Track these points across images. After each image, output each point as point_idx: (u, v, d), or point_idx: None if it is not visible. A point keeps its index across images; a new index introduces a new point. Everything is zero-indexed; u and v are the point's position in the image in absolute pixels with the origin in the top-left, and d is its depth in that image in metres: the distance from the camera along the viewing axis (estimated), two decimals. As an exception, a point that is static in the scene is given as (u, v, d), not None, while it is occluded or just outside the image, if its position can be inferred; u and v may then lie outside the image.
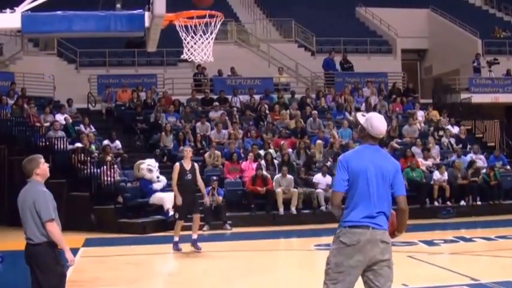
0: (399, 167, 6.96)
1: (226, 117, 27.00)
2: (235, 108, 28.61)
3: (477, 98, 32.05)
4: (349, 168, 6.68)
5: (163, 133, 25.16)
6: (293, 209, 22.19)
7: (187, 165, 16.02)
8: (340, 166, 6.74)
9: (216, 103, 28.50)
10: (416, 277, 12.37)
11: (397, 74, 34.71)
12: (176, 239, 16.07)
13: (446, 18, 38.74)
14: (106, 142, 23.87)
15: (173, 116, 27.15)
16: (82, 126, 25.18)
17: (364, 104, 29.96)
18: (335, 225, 17.89)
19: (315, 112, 27.80)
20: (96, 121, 26.86)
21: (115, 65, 32.33)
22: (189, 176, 15.90)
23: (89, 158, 22.22)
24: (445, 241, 17.37)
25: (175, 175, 15.93)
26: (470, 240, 17.66)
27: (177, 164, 16.23)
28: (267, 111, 28.18)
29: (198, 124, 26.34)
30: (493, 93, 33.23)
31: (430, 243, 17.00)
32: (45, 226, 7.47)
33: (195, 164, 16.42)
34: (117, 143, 24.40)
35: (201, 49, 11.09)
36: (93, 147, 23.50)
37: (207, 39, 11.06)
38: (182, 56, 11.66)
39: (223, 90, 29.93)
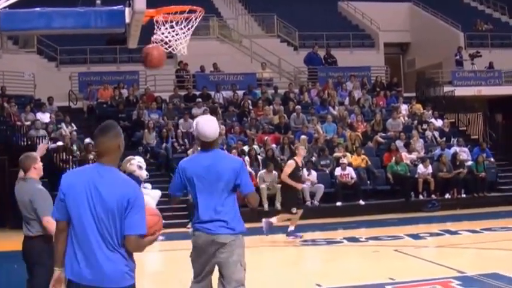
0: (241, 166, 7.04)
1: (209, 114, 26.85)
2: (218, 104, 28.44)
3: (460, 91, 32.06)
4: (183, 175, 6.95)
5: (146, 130, 25.02)
6: (278, 205, 22.07)
7: (300, 162, 16.45)
8: (176, 172, 7.05)
9: (199, 99, 28.34)
10: (403, 271, 12.35)
11: (380, 68, 34.74)
12: (291, 228, 16.51)
13: (428, 12, 38.75)
14: (88, 140, 23.66)
15: (156, 113, 26.99)
16: (63, 125, 24.97)
17: (347, 98, 29.94)
18: (320, 220, 17.83)
19: (298, 107, 27.72)
20: (78, 119, 26.67)
21: (96, 62, 32.10)
22: (301, 173, 16.62)
23: (70, 157, 22.03)
24: (431, 234, 17.33)
25: (288, 170, 16.13)
26: (455, 233, 17.63)
27: (292, 161, 16.49)
28: (250, 107, 28.07)
29: (181, 121, 26.18)
30: (476, 86, 33.30)
31: (416, 236, 16.97)
32: (42, 222, 7.59)
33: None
34: (99, 141, 24.13)
35: (180, 42, 10.96)
36: (74, 146, 23.31)
37: (184, 33, 10.93)
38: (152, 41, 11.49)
39: (205, 87, 29.79)
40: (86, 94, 28.81)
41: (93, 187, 4.93)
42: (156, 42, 10.68)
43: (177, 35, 10.76)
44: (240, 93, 29.55)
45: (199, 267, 6.96)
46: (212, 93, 29.47)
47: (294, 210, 16.23)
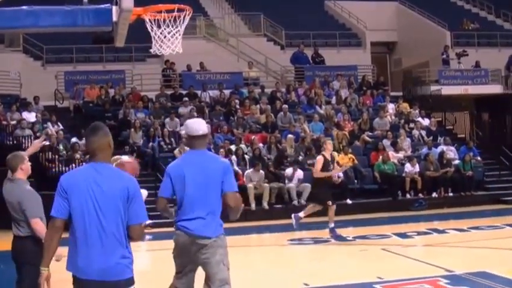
0: (229, 167, 7.27)
1: (196, 113, 26.77)
2: (204, 104, 28.37)
3: (447, 90, 32.08)
4: (173, 174, 7.02)
5: (132, 129, 24.93)
6: (265, 204, 22.07)
7: (329, 157, 16.41)
8: (165, 175, 7.14)
9: (186, 98, 28.27)
10: (391, 270, 12.35)
11: (367, 67, 34.72)
12: (332, 225, 16.28)
13: (415, 11, 38.77)
14: (74, 140, 23.59)
15: (142, 112, 26.91)
16: (50, 124, 24.85)
17: (334, 98, 29.93)
18: (307, 219, 17.77)
19: (285, 106, 27.68)
20: (64, 118, 26.52)
21: (82, 61, 31.94)
22: (331, 167, 16.39)
23: (57, 157, 21.92)
24: (419, 233, 17.34)
25: (319, 166, 16.16)
26: (443, 232, 17.66)
27: (320, 156, 16.54)
28: (237, 106, 28.01)
29: (167, 120, 26.09)
30: (463, 85, 33.30)
31: (403, 235, 17.00)
32: (30, 224, 7.55)
33: (333, 154, 17.25)
34: (86, 140, 24.04)
35: (171, 42, 10.94)
36: (61, 145, 23.20)
37: (176, 33, 10.91)
38: (151, 50, 11.52)
39: (192, 86, 29.72)
40: (72, 93, 28.67)
41: (94, 183, 5.24)
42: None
43: (169, 33, 10.75)
44: (227, 92, 29.48)
45: (181, 265, 7.05)
46: (199, 92, 29.40)
47: (330, 202, 16.10)
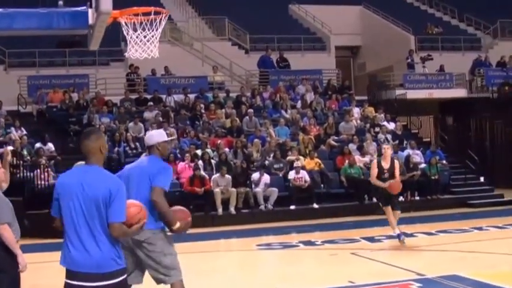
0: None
1: (161, 117, 26.55)
2: (169, 108, 28.16)
3: (412, 94, 32.20)
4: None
5: (97, 134, 24.58)
6: (232, 209, 21.91)
7: (386, 163, 15.68)
8: None
9: (151, 103, 28.04)
10: (363, 274, 12.29)
11: (332, 71, 34.67)
12: (397, 231, 15.75)
13: (379, 15, 38.93)
14: (38, 145, 23.29)
15: (107, 116, 26.61)
16: (13, 129, 24.50)
17: (300, 102, 29.86)
18: (274, 224, 17.71)
19: (250, 111, 27.57)
20: (28, 123, 26.16)
21: (45, 66, 31.60)
22: (386, 175, 15.57)
23: (21, 162, 21.61)
24: (387, 237, 17.22)
25: (373, 171, 15.68)
26: (411, 235, 17.55)
27: (375, 161, 16.15)
28: (203, 111, 27.83)
29: (131, 124, 25.84)
30: (427, 89, 33.45)
31: (372, 239, 16.94)
32: None
33: (396, 162, 16.11)
34: (50, 145, 23.81)
35: (147, 46, 10.80)
36: (25, 150, 22.88)
37: (152, 37, 10.77)
38: (126, 54, 11.39)
39: (157, 90, 29.49)
40: (36, 98, 28.33)
41: (80, 184, 5.65)
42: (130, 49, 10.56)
43: (145, 37, 10.62)
44: (192, 96, 29.25)
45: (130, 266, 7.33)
46: (163, 96, 29.18)
47: (381, 205, 15.91)
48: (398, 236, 15.70)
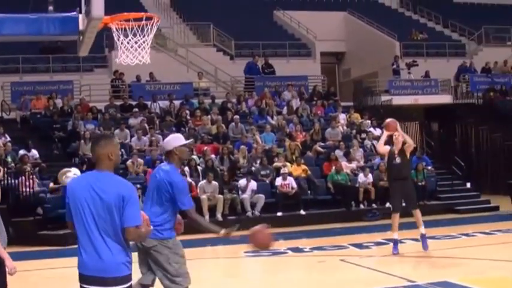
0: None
1: (147, 124, 26.39)
2: (154, 114, 28.01)
3: (397, 100, 32.24)
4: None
5: (82, 141, 24.44)
6: (219, 216, 21.76)
7: (397, 150, 15.09)
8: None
9: (136, 109, 27.88)
10: (352, 281, 12.25)
11: (317, 77, 34.65)
12: (395, 236, 15.20)
13: (364, 21, 39.00)
14: (22, 152, 23.07)
15: (92, 123, 26.40)
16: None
17: (285, 108, 29.78)
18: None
19: (236, 117, 27.47)
20: (11, 130, 25.89)
21: (29, 72, 31.44)
22: (398, 160, 15.01)
23: (5, 169, 21.40)
24: (375, 243, 17.19)
25: (381, 145, 15.41)
26: (400, 241, 17.48)
27: (388, 147, 15.45)
28: (188, 117, 27.69)
29: (117, 131, 25.66)
30: (413, 95, 33.55)
31: (360, 246, 16.83)
32: None
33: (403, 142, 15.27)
34: (34, 152, 23.60)
35: (138, 52, 10.68)
36: (9, 157, 22.67)
37: (143, 42, 10.65)
38: (116, 60, 11.28)
39: (142, 96, 29.33)
40: (19, 104, 28.07)
41: (91, 189, 5.60)
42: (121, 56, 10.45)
43: (136, 43, 10.50)
44: (177, 103, 29.11)
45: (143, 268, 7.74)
46: (149, 103, 29.03)
47: (392, 209, 15.75)
48: (394, 243, 15.32)
